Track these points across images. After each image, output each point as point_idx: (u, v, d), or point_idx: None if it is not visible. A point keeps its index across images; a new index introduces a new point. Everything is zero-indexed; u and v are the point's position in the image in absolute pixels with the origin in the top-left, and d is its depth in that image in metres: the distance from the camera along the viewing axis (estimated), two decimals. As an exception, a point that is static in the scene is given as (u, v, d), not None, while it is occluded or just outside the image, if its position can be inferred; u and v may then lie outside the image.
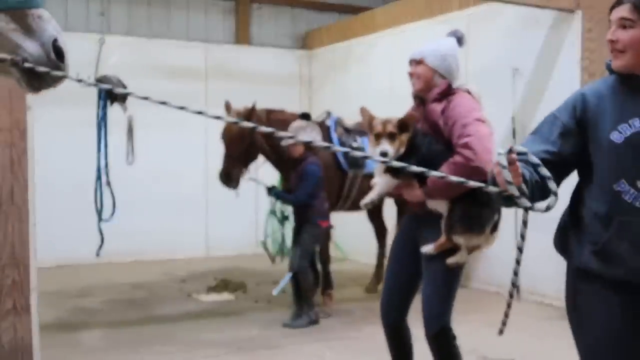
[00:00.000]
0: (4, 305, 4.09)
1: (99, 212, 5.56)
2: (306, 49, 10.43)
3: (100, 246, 5.65)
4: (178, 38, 9.61)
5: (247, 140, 5.93)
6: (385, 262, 4.35)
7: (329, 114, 6.61)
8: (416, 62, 3.46)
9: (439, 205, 3.29)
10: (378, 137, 3.28)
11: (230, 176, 5.96)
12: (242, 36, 10.15)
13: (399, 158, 3.24)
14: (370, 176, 5.86)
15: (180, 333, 5.48)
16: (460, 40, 3.55)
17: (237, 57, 9.71)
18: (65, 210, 8.22)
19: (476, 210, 3.23)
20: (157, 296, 6.94)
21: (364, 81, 8.87)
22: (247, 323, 5.83)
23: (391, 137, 3.24)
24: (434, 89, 3.40)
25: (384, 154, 3.19)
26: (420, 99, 3.51)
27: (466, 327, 5.53)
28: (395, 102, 3.48)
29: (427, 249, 3.28)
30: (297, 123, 5.79)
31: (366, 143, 6.31)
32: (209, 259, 9.24)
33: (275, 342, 5.26)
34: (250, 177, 6.06)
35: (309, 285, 5.76)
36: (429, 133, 3.37)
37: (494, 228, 3.36)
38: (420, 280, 3.53)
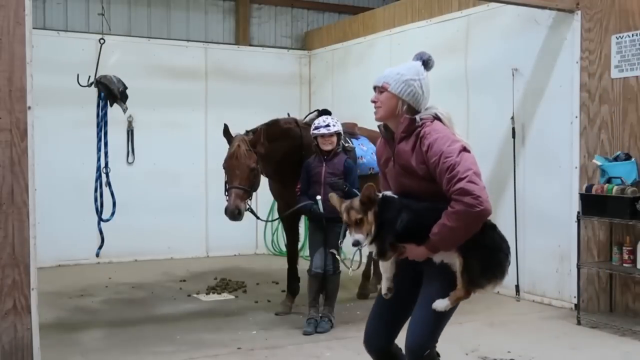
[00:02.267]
0: (4, 305, 4.10)
1: (99, 212, 5.56)
2: (306, 49, 10.44)
3: (100, 246, 5.66)
4: (178, 38, 9.61)
5: (256, 164, 5.59)
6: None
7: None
8: (379, 89, 3.19)
9: (447, 257, 3.05)
10: (348, 225, 3.11)
11: (240, 211, 5.49)
12: (242, 36, 10.15)
13: (374, 238, 3.06)
14: (365, 177, 5.86)
15: (180, 333, 5.48)
16: (426, 63, 3.21)
17: (237, 57, 9.71)
18: (65, 210, 8.23)
19: (495, 257, 3.05)
20: (157, 296, 6.94)
21: (364, 81, 8.84)
22: (247, 323, 5.83)
23: (358, 223, 3.05)
24: (399, 126, 3.12)
25: (356, 244, 3.05)
26: (389, 130, 3.23)
27: (466, 327, 5.55)
28: (394, 102, 3.43)
29: (442, 304, 3.00)
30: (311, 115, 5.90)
31: (356, 144, 6.30)
32: (209, 259, 9.24)
33: (275, 342, 5.25)
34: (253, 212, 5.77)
35: (336, 287, 5.72)
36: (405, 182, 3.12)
37: None
38: (413, 308, 3.19)
